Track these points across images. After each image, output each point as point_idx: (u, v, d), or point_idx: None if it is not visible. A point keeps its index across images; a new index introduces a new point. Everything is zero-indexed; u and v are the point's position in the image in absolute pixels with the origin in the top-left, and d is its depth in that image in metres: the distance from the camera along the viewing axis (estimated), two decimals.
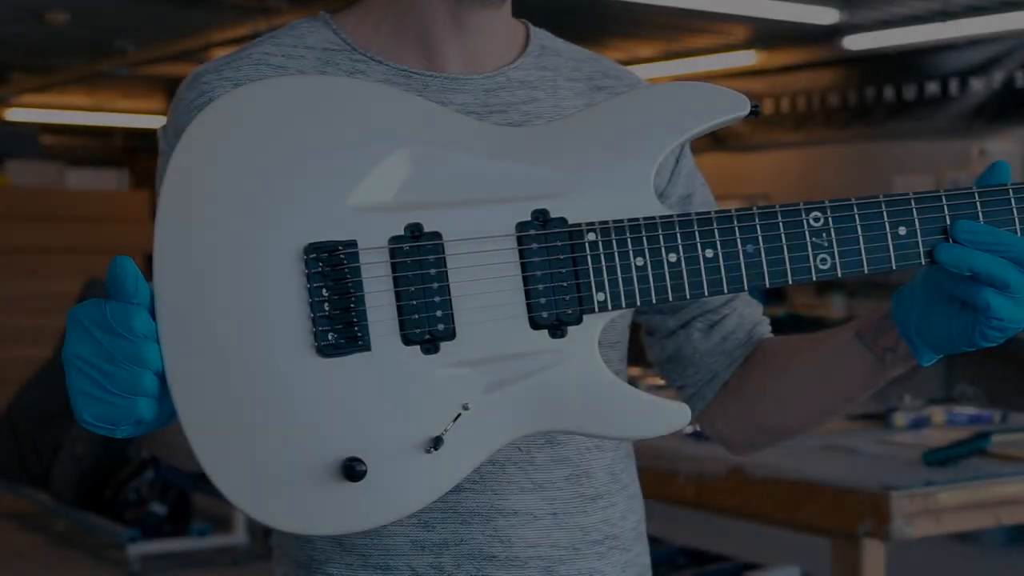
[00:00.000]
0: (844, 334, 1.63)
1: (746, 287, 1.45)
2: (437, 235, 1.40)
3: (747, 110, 1.47)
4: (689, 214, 1.44)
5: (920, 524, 3.52)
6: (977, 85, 10.88)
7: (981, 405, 5.18)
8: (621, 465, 1.73)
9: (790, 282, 1.45)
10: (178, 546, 8.11)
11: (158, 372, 1.33)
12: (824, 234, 1.45)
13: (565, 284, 1.42)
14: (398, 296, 1.39)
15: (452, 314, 1.40)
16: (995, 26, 10.53)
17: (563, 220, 1.43)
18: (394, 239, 1.40)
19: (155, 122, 17.48)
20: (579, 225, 1.43)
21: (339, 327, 1.37)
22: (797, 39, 11.94)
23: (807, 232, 1.45)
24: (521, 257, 1.42)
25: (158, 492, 8.18)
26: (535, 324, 1.41)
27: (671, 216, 1.44)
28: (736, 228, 1.44)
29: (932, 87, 11.21)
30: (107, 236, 12.05)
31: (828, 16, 10.89)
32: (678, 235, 1.43)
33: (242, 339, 1.36)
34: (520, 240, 1.42)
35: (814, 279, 1.46)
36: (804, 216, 1.45)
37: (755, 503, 3.83)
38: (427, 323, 1.39)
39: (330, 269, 1.37)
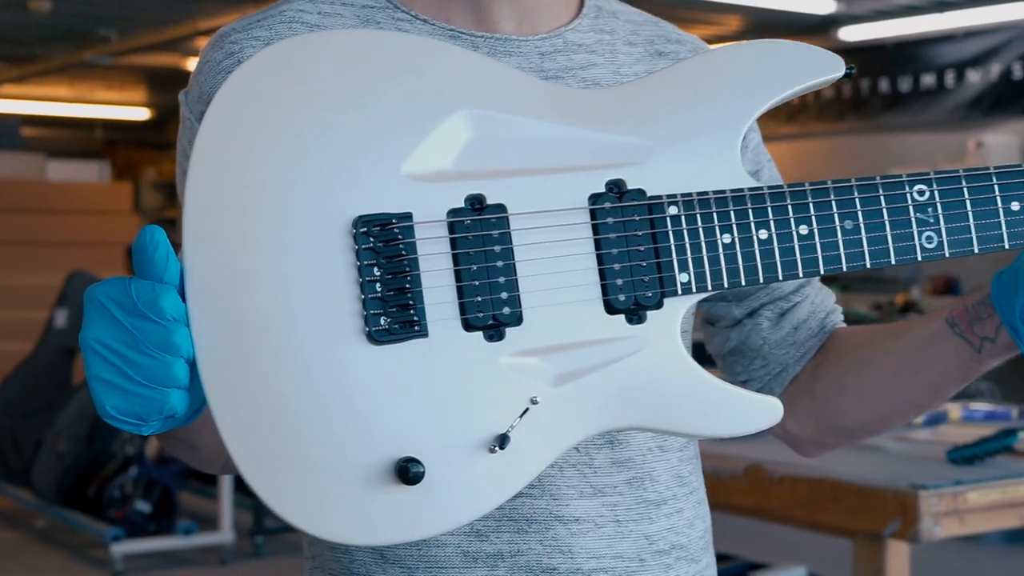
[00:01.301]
0: (933, 322, 1.47)
1: (844, 267, 1.29)
2: (501, 207, 1.25)
3: (842, 71, 1.32)
4: (780, 186, 1.29)
5: (946, 524, 3.38)
6: (973, 77, 10.76)
7: (996, 401, 5.05)
8: (689, 467, 1.58)
9: (893, 262, 1.30)
10: (163, 545, 7.95)
11: (189, 360, 1.17)
12: (930, 209, 1.30)
13: (644, 264, 1.26)
14: (458, 276, 1.23)
15: (518, 296, 1.24)
16: (992, 17, 10.42)
17: (641, 192, 1.27)
18: (453, 212, 1.24)
19: (137, 114, 17.29)
20: (659, 197, 1.27)
21: (392, 310, 1.21)
22: (792, 29, 11.80)
23: (911, 207, 1.30)
24: (595, 233, 1.26)
25: (142, 489, 8.01)
26: (611, 308, 1.26)
27: (761, 188, 1.29)
28: (833, 202, 1.29)
29: (928, 79, 11.09)
30: (89, 229, 11.87)
31: (824, 6, 10.76)
32: (769, 209, 1.28)
33: (282, 324, 1.20)
34: (594, 214, 1.26)
35: (919, 259, 1.31)
36: (908, 189, 1.30)
37: (773, 503, 3.67)
38: (491, 306, 1.24)
39: (382, 245, 1.22)
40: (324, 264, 1.21)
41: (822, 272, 1.29)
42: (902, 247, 1.29)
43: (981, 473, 3.52)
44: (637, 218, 1.27)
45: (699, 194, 1.27)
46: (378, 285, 1.21)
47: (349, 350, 1.21)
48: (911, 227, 1.30)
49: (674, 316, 1.27)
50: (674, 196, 1.27)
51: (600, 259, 1.26)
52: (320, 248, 1.21)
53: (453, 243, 1.24)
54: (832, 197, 1.29)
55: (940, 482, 3.37)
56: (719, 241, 1.27)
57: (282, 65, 1.24)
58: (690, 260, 1.27)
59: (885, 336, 1.55)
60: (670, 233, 1.27)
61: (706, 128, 1.29)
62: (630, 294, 1.26)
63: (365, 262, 1.21)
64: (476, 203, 1.25)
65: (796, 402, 1.61)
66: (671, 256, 1.27)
